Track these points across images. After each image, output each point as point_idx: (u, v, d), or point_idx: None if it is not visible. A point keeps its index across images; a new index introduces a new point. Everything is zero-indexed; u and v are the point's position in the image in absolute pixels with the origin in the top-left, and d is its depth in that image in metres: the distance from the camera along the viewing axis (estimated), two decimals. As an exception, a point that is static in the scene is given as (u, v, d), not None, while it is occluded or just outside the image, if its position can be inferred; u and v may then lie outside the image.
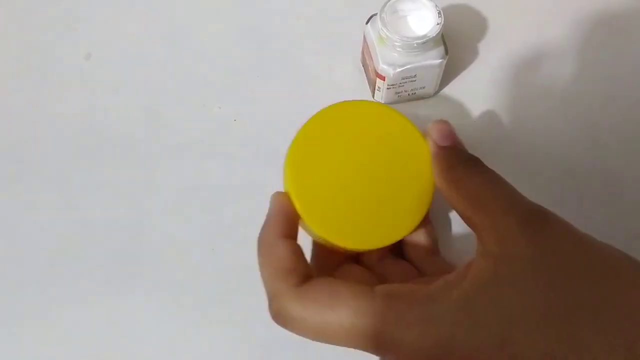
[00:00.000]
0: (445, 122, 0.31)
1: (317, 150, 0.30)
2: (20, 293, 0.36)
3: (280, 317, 0.25)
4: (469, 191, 0.27)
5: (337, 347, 0.34)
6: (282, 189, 0.31)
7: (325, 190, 0.30)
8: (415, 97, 0.40)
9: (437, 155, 0.30)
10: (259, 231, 0.28)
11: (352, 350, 0.29)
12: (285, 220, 0.28)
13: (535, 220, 0.25)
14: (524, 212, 0.25)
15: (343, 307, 0.24)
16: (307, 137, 0.31)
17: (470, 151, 0.30)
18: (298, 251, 0.27)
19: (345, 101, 0.32)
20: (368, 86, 0.41)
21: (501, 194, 0.26)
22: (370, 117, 0.32)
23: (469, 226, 0.27)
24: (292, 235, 0.28)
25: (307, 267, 0.27)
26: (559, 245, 0.24)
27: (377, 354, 0.24)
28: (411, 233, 0.31)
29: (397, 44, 0.35)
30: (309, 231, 0.31)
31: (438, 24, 0.35)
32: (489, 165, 0.29)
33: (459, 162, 0.29)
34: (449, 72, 0.41)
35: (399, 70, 0.36)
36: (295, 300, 0.25)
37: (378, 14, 0.36)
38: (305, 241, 0.30)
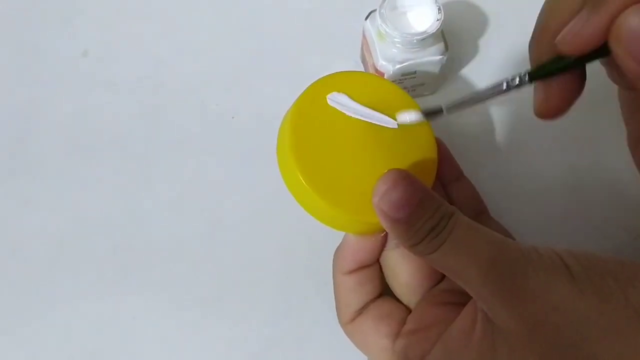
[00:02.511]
0: (395, 183, 0.24)
1: (317, 119, 0.28)
2: (17, 290, 0.36)
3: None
4: (442, 266, 0.24)
5: (335, 346, 0.34)
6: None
7: (328, 160, 0.27)
8: (415, 94, 0.40)
9: (394, 233, 0.25)
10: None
11: (350, 350, 0.29)
12: (350, 257, 0.29)
13: (511, 286, 0.22)
14: (499, 277, 0.22)
15: (371, 356, 0.29)
16: (305, 106, 0.29)
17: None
18: (355, 286, 0.30)
19: (340, 71, 0.31)
20: (367, 83, 0.40)
21: (472, 260, 0.23)
22: (366, 86, 0.30)
23: None
24: (357, 268, 0.30)
25: (360, 301, 0.30)
26: (538, 311, 0.22)
27: None
28: None
29: (396, 40, 0.35)
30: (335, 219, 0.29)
31: (438, 20, 0.35)
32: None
33: (421, 238, 0.24)
34: (449, 69, 0.40)
35: (398, 66, 0.36)
36: (345, 332, 0.30)
37: (377, 10, 0.35)
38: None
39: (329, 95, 0.29)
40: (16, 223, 0.38)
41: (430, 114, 0.28)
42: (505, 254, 0.23)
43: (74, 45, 0.43)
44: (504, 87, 0.26)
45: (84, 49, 0.43)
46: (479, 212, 0.33)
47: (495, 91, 0.26)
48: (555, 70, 0.25)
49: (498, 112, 0.40)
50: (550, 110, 0.26)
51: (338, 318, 0.30)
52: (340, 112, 0.29)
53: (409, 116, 0.29)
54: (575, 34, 0.23)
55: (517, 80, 0.26)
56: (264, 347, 0.35)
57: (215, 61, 0.42)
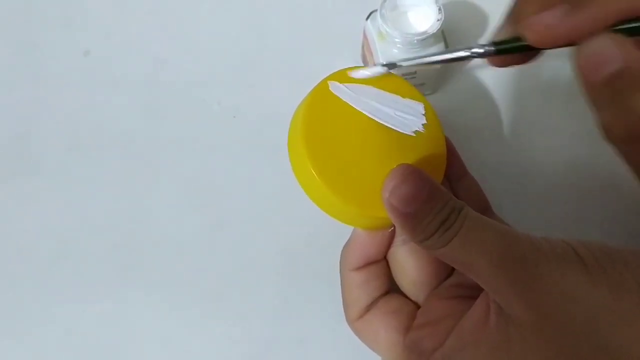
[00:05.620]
0: (404, 178, 0.25)
1: (329, 112, 0.29)
2: (19, 289, 0.36)
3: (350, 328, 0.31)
4: (453, 260, 0.24)
5: (337, 345, 0.34)
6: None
7: (339, 154, 0.28)
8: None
9: (404, 228, 0.25)
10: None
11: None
12: (358, 252, 0.29)
13: (524, 277, 0.22)
14: (511, 269, 0.22)
15: (381, 351, 0.29)
16: (318, 100, 0.29)
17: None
18: (363, 283, 0.30)
19: (352, 67, 0.31)
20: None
21: (483, 253, 0.23)
22: (377, 81, 0.30)
23: None
24: (365, 263, 0.30)
25: (368, 297, 0.30)
26: (551, 301, 0.22)
27: None
28: None
29: (397, 40, 0.35)
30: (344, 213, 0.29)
31: (438, 20, 0.35)
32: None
33: (431, 233, 0.24)
34: (449, 69, 0.41)
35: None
36: (353, 329, 0.30)
37: (378, 10, 0.35)
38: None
39: (343, 89, 0.29)
40: (17, 222, 0.38)
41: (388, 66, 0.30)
42: (517, 246, 0.23)
43: (76, 44, 0.43)
44: (466, 54, 0.28)
45: (85, 49, 0.43)
46: (483, 209, 0.33)
47: (455, 57, 0.28)
48: (516, 49, 0.26)
49: (502, 108, 0.40)
50: (501, 64, 0.28)
51: (345, 315, 0.30)
52: (352, 106, 0.29)
53: (367, 71, 0.30)
54: (548, 27, 0.23)
55: (479, 50, 0.27)
56: (265, 347, 0.35)
57: (216, 60, 0.42)
